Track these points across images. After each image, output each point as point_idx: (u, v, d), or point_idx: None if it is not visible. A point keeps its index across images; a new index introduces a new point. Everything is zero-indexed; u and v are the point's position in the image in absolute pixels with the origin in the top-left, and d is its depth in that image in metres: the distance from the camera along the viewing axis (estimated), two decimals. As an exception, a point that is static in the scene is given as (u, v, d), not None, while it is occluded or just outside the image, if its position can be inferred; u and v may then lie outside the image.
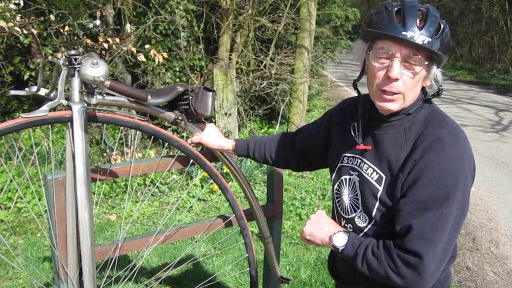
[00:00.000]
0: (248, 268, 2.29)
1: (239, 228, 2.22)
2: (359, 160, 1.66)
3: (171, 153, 2.69)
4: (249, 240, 2.22)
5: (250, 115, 7.92)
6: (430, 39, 1.41)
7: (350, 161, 1.70)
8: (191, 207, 5.45)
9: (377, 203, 1.57)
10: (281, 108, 7.75)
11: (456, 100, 14.20)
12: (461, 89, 16.90)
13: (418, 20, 1.42)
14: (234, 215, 2.22)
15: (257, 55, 7.46)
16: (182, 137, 6.38)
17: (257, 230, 2.41)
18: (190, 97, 1.87)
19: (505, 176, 6.83)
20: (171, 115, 1.88)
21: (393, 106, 1.52)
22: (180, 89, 1.84)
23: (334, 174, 1.77)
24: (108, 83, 1.50)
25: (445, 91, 16.72)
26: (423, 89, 1.59)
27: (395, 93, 1.49)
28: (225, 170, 5.14)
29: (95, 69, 1.47)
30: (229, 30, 7.29)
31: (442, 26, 1.45)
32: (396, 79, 1.46)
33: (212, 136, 2.03)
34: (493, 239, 4.91)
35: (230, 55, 7.41)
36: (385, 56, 1.48)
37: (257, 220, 2.32)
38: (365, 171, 1.62)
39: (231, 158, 2.16)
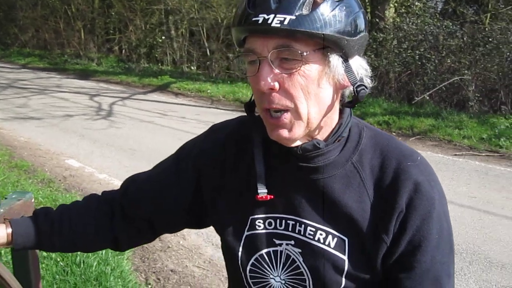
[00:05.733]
0: None
1: None
2: (292, 222, 1.10)
3: None
4: None
5: None
6: (293, 17, 0.92)
7: (271, 224, 1.12)
8: None
9: (343, 281, 1.07)
10: None
11: (44, 89, 13.53)
12: (41, 77, 16.25)
13: None
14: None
15: None
16: None
17: None
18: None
19: (142, 162, 6.81)
20: None
21: (289, 133, 1.01)
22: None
23: (239, 249, 1.14)
24: None
25: (25, 80, 15.74)
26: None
27: (282, 110, 0.99)
28: None
29: None
30: None
31: None
32: (271, 89, 0.97)
33: None
34: (176, 233, 4.81)
35: None
36: (254, 60, 1.00)
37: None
38: (311, 236, 1.08)
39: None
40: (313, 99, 0.99)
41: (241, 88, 13.63)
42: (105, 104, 11.59)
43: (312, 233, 1.07)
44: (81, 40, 21.37)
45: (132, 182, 1.30)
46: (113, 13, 21.38)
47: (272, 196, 1.09)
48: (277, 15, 0.92)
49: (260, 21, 0.93)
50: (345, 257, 1.05)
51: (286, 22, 0.92)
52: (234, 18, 1.02)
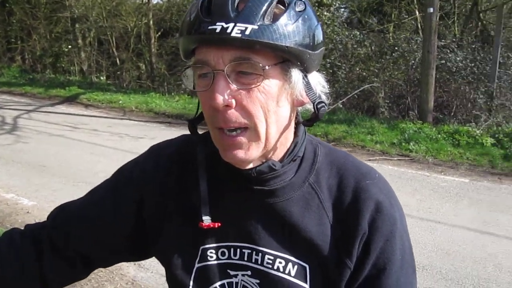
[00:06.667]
0: None
1: None
2: (248, 251, 1.00)
3: None
4: None
5: None
6: (256, 26, 0.83)
7: (224, 254, 1.02)
8: None
9: None
10: None
11: None
12: None
13: (236, 3, 0.86)
14: None
15: None
16: None
17: None
18: None
19: (53, 179, 6.37)
20: None
21: (245, 154, 0.92)
22: None
23: (189, 283, 1.03)
24: None
25: None
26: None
27: (238, 128, 0.90)
28: None
29: None
30: None
31: (287, 2, 0.88)
32: (227, 106, 0.87)
33: None
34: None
35: None
36: (206, 73, 0.89)
37: None
38: (269, 265, 0.99)
39: None
40: (272, 118, 0.91)
41: (154, 98, 13.33)
42: (8, 117, 10.88)
43: (270, 261, 0.98)
44: (-22, 49, 20.03)
45: (62, 211, 1.14)
46: (14, 21, 20.25)
47: (219, 224, 0.99)
48: (237, 24, 0.83)
49: (217, 30, 0.83)
50: (307, 285, 0.98)
51: (247, 32, 0.82)
52: (183, 26, 0.91)
